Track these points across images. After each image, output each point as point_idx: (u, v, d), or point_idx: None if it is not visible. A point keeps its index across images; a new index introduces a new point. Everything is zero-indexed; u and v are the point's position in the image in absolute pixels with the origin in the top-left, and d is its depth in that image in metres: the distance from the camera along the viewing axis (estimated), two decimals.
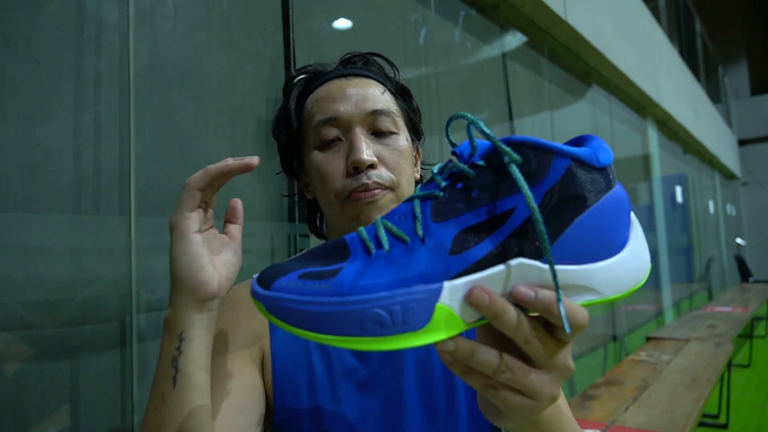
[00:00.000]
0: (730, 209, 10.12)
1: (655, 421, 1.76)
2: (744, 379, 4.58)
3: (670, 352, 2.88)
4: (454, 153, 0.38)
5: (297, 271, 0.34)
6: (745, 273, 8.35)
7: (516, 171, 0.32)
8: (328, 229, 0.70)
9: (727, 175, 9.71)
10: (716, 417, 3.39)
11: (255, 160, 0.48)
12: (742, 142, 11.11)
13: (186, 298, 0.47)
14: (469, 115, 0.35)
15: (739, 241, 10.33)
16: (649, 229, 4.58)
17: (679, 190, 5.71)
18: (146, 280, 0.97)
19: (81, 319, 0.88)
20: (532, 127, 2.74)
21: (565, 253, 0.33)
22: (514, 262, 0.33)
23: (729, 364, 3.11)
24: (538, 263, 0.33)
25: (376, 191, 0.59)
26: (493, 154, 0.34)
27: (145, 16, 1.03)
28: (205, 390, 0.47)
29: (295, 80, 0.69)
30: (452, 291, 0.32)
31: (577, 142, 0.37)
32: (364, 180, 0.58)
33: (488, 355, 0.34)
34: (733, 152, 10.08)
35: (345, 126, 0.61)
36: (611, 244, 0.34)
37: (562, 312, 0.32)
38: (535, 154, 0.33)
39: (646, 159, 4.76)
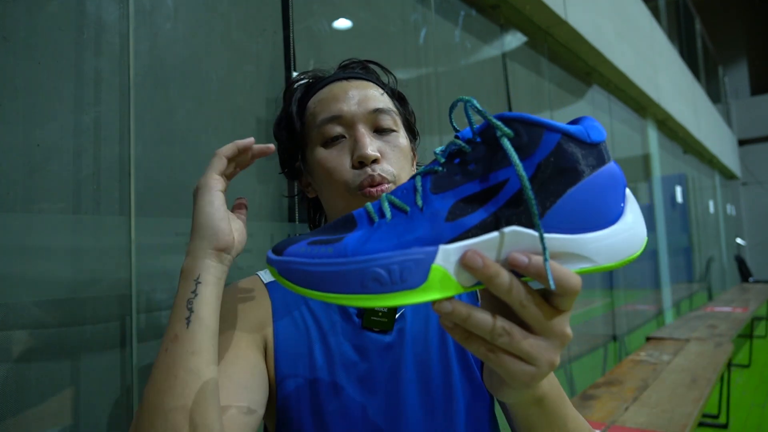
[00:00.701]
0: (730, 209, 10.12)
1: (655, 421, 1.76)
2: (744, 379, 4.58)
3: (670, 352, 2.88)
4: (456, 137, 0.40)
5: (307, 239, 0.37)
6: (745, 273, 8.35)
7: (507, 144, 0.35)
8: None
9: (727, 175, 9.71)
10: (716, 417, 3.39)
11: (272, 147, 0.59)
12: (742, 142, 11.11)
13: (206, 245, 0.52)
14: (465, 97, 0.38)
15: (739, 241, 10.33)
16: (649, 229, 4.56)
17: (679, 190, 5.71)
18: (146, 280, 0.97)
19: (81, 319, 0.88)
20: None
21: (559, 222, 0.35)
22: (507, 229, 0.35)
23: (729, 364, 3.11)
24: (530, 231, 0.35)
25: (387, 185, 0.61)
26: (487, 130, 0.37)
27: (145, 16, 1.03)
28: (215, 334, 0.51)
29: (296, 85, 0.71)
30: (446, 254, 0.35)
31: (572, 122, 0.40)
32: (370, 172, 0.61)
33: (484, 318, 0.35)
34: (733, 152, 10.08)
35: (348, 123, 0.64)
36: (605, 216, 0.36)
37: (548, 272, 0.34)
38: (525, 128, 0.36)
39: (646, 159, 4.76)
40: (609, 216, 0.36)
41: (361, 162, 0.61)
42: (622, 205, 0.37)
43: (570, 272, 0.35)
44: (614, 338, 3.52)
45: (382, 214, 0.38)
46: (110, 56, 0.96)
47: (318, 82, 0.69)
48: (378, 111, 0.64)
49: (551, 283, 0.34)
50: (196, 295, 0.50)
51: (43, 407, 0.83)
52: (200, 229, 0.53)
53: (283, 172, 0.75)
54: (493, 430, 0.67)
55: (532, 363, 0.37)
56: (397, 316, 0.66)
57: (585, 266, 0.36)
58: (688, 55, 6.73)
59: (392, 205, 0.38)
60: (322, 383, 0.62)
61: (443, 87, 2.00)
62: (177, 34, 1.09)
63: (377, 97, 0.66)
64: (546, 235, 0.35)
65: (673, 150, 5.76)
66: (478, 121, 0.39)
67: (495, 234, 0.35)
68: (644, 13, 4.40)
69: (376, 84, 0.69)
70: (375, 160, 0.62)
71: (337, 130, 0.64)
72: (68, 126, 0.89)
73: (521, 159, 0.35)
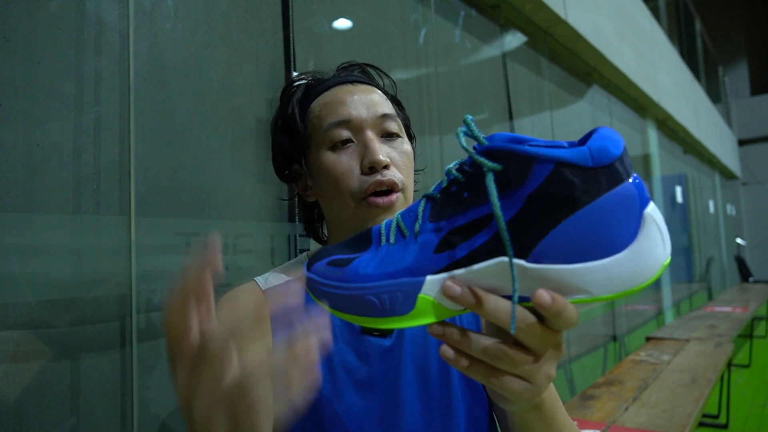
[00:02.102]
0: (730, 209, 10.12)
1: (655, 421, 1.76)
2: (744, 379, 4.58)
3: (670, 352, 2.88)
4: (457, 167, 0.40)
5: (329, 258, 0.40)
6: (745, 273, 8.35)
7: (489, 179, 0.35)
8: (332, 231, 0.69)
9: (727, 175, 9.72)
10: (716, 417, 3.39)
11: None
12: (742, 142, 11.11)
13: None
14: (466, 119, 0.37)
15: (739, 241, 10.33)
16: None
17: (679, 190, 5.71)
18: (146, 280, 0.97)
19: (81, 319, 0.88)
20: (532, 127, 2.74)
21: (553, 253, 0.35)
22: (495, 260, 0.36)
23: (729, 364, 3.11)
24: (519, 261, 0.35)
25: (392, 197, 0.61)
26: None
27: (145, 16, 1.03)
28: None
29: (295, 85, 0.70)
30: (433, 284, 0.37)
31: (587, 136, 0.37)
32: (379, 177, 0.60)
33: (477, 339, 0.37)
34: (733, 152, 10.08)
35: (357, 128, 0.63)
36: (608, 244, 0.34)
37: (513, 314, 0.35)
38: (513, 161, 0.35)
39: (646, 159, 4.76)
40: (614, 243, 0.34)
41: (371, 168, 0.61)
42: (634, 229, 0.34)
43: (566, 304, 0.34)
44: (614, 338, 3.52)
45: (388, 237, 0.40)
46: (110, 56, 0.96)
47: (319, 84, 0.68)
48: (386, 116, 0.64)
49: (512, 326, 0.35)
50: None
51: (43, 407, 0.83)
52: None
53: (279, 176, 0.73)
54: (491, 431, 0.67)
55: (531, 381, 0.38)
56: None
57: (580, 297, 0.35)
58: (688, 55, 6.73)
59: (398, 227, 0.40)
60: (322, 390, 0.62)
61: (443, 87, 2.00)
62: (177, 34, 1.09)
63: (383, 102, 0.66)
64: (540, 267, 0.34)
65: (673, 150, 5.77)
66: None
67: (482, 265, 0.36)
68: (644, 13, 4.40)
69: (379, 88, 0.69)
70: (385, 166, 0.61)
71: (346, 134, 0.63)
72: (68, 126, 0.89)
73: (510, 190, 0.35)
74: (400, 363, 0.64)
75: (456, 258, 0.37)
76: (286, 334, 0.41)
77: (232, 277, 1.14)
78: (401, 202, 0.63)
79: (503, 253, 0.35)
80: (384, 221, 0.41)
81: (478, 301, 0.35)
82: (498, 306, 0.35)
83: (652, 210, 0.34)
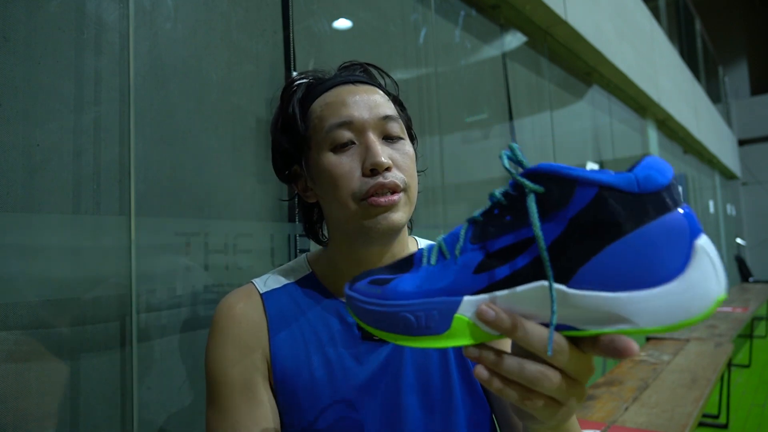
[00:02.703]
0: (730, 209, 10.12)
1: (655, 421, 1.76)
2: (744, 379, 4.58)
3: (670, 352, 2.88)
4: (503, 191, 0.40)
5: (371, 277, 0.41)
6: (745, 273, 8.35)
7: (531, 201, 0.35)
8: (332, 232, 0.69)
9: (727, 175, 9.71)
10: (716, 417, 3.39)
11: None
12: (742, 142, 11.11)
13: None
14: (511, 145, 0.38)
15: (739, 241, 10.33)
16: None
17: (679, 190, 5.70)
18: (146, 280, 0.97)
19: (81, 319, 0.88)
20: (532, 127, 2.74)
21: (596, 279, 0.34)
22: (535, 284, 0.35)
23: (729, 364, 3.10)
24: (558, 285, 0.35)
25: (394, 197, 0.60)
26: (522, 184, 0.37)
27: (145, 16, 1.03)
28: None
29: (295, 84, 0.69)
30: (471, 305, 0.37)
31: (634, 164, 0.36)
32: (380, 179, 0.60)
33: (513, 363, 0.36)
34: (733, 152, 10.08)
35: (359, 130, 0.62)
36: (654, 274, 0.33)
37: (550, 338, 0.35)
38: (556, 183, 0.35)
39: None
40: (662, 273, 0.33)
41: (373, 170, 0.60)
42: (683, 260, 0.33)
43: (617, 337, 0.34)
44: None
45: (430, 260, 0.40)
46: (110, 56, 0.96)
47: (320, 84, 0.67)
48: (387, 118, 0.63)
49: (549, 348, 0.35)
50: None
51: (43, 407, 0.83)
52: None
53: (279, 176, 0.72)
54: None
55: (564, 403, 0.38)
56: None
57: (623, 327, 0.34)
58: (688, 55, 6.73)
59: (440, 249, 0.40)
60: (322, 396, 0.62)
61: (443, 87, 2.00)
62: (177, 34, 1.09)
63: (385, 103, 0.65)
64: (581, 293, 0.34)
65: (673, 150, 5.77)
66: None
67: (522, 288, 0.36)
68: (644, 13, 4.40)
69: (380, 89, 0.68)
70: (387, 168, 0.61)
71: (347, 135, 0.62)
72: (68, 126, 0.89)
73: (552, 213, 0.35)
74: (400, 368, 0.63)
75: (495, 279, 0.37)
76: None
77: (232, 277, 1.14)
78: (404, 201, 0.62)
79: (543, 277, 0.35)
80: (426, 245, 0.42)
81: (513, 327, 0.35)
82: (533, 333, 0.35)
83: (705, 242, 0.33)
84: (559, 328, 0.36)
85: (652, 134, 4.87)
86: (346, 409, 0.61)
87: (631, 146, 4.37)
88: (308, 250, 0.75)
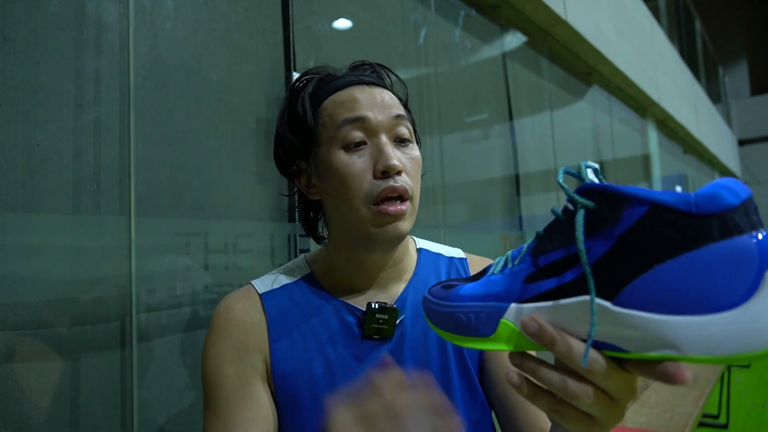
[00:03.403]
0: None
1: (655, 421, 1.76)
2: (744, 379, 4.58)
3: None
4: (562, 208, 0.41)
5: (446, 282, 0.45)
6: None
7: (579, 216, 0.36)
8: (333, 232, 0.68)
9: (727, 175, 9.72)
10: (716, 417, 3.39)
11: None
12: (742, 142, 11.11)
13: None
14: (581, 165, 0.39)
15: None
16: None
17: (679, 190, 5.71)
18: (146, 280, 0.97)
19: (81, 319, 0.88)
20: (532, 127, 2.74)
21: (641, 299, 0.33)
22: (579, 298, 0.35)
23: (729, 364, 3.10)
24: (601, 301, 0.34)
25: (403, 206, 0.61)
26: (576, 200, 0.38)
27: (145, 16, 1.03)
28: None
29: (305, 79, 0.68)
30: (517, 312, 0.38)
31: (711, 184, 0.35)
32: (392, 183, 0.60)
33: (552, 375, 0.37)
34: (733, 152, 10.08)
35: (372, 129, 0.62)
36: (711, 300, 0.31)
37: (587, 350, 0.35)
38: (607, 200, 0.35)
39: (646, 159, 4.76)
40: (719, 301, 0.31)
41: (384, 172, 0.60)
42: (748, 289, 0.31)
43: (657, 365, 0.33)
44: None
45: (496, 270, 0.43)
46: (110, 56, 0.96)
47: (332, 80, 0.66)
48: (399, 117, 0.63)
49: (584, 360, 0.35)
50: None
51: (43, 407, 0.83)
52: None
53: (281, 171, 0.71)
54: None
55: (599, 420, 0.38)
56: (397, 322, 0.65)
57: (667, 353, 0.32)
58: (688, 55, 6.73)
59: (506, 261, 0.42)
60: (322, 396, 0.61)
61: (443, 87, 2.00)
62: (177, 34, 1.09)
63: (396, 104, 0.65)
64: (625, 311, 0.33)
65: (673, 150, 5.77)
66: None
67: (567, 301, 0.36)
68: (644, 13, 4.40)
69: (391, 91, 0.68)
70: (398, 172, 0.61)
71: (360, 135, 0.62)
72: (68, 126, 0.89)
73: (601, 230, 0.35)
74: (400, 366, 0.63)
75: (542, 290, 0.37)
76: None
77: (232, 277, 1.14)
78: (410, 211, 0.62)
79: (588, 292, 0.35)
80: (498, 257, 0.44)
81: (553, 340, 0.36)
82: (573, 348, 0.35)
83: None
84: (604, 346, 0.35)
85: (652, 134, 4.87)
86: (346, 408, 0.61)
87: (631, 146, 4.37)
88: (308, 250, 0.75)
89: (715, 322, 0.31)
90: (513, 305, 0.39)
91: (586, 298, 0.35)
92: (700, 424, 3.37)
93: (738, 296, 0.31)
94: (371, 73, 0.69)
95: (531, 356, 0.38)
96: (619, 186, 0.35)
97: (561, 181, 0.38)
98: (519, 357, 0.38)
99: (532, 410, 0.63)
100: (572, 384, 0.36)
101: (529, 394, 0.38)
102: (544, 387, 0.37)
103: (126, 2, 0.99)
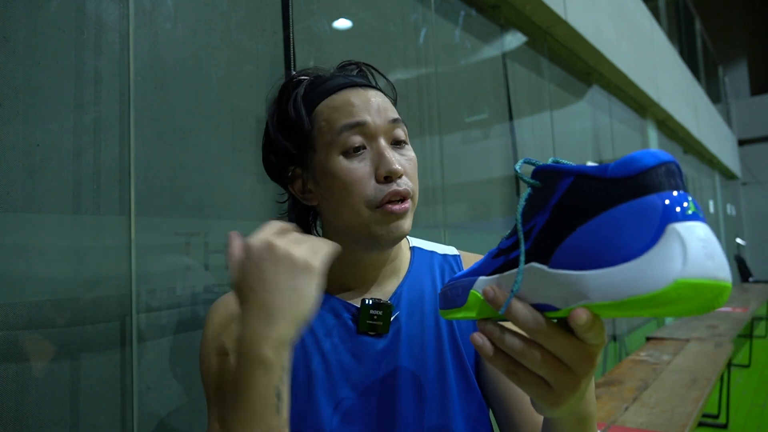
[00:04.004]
0: (730, 209, 10.12)
1: (655, 421, 1.76)
2: (744, 379, 4.58)
3: (670, 352, 2.88)
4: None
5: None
6: (745, 273, 8.35)
7: (523, 194, 0.42)
8: (329, 234, 0.68)
9: (727, 175, 9.71)
10: (716, 417, 3.39)
11: None
12: (742, 142, 11.11)
13: (294, 333, 0.48)
14: (526, 161, 0.44)
15: (739, 241, 10.33)
16: None
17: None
18: (146, 280, 0.97)
19: (81, 319, 0.88)
20: (532, 127, 2.74)
21: (566, 259, 0.37)
22: (527, 265, 0.40)
23: (729, 364, 3.10)
24: (542, 266, 0.39)
25: (406, 204, 0.62)
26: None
27: (145, 16, 1.03)
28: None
29: (296, 81, 0.67)
30: (483, 283, 0.45)
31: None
32: (395, 187, 0.61)
33: (507, 337, 0.41)
34: (733, 152, 10.08)
35: (371, 134, 0.62)
36: (618, 253, 0.34)
37: (507, 300, 0.40)
38: (547, 177, 0.40)
39: None
40: (624, 253, 0.34)
41: (387, 177, 0.61)
42: (650, 242, 0.33)
43: (579, 309, 0.36)
44: (614, 338, 3.52)
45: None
46: (110, 56, 0.96)
47: (322, 82, 0.65)
48: (396, 121, 0.64)
49: (502, 309, 0.40)
50: (283, 383, 0.48)
51: (43, 407, 0.83)
52: (302, 319, 0.48)
53: (274, 177, 0.70)
54: (488, 431, 0.67)
55: (553, 386, 0.40)
56: (392, 318, 0.66)
57: (582, 302, 0.36)
58: (688, 55, 6.73)
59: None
60: (319, 392, 0.62)
61: (443, 87, 2.00)
62: (177, 34, 1.09)
63: (390, 107, 0.65)
64: (554, 271, 0.37)
65: (673, 150, 5.76)
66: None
67: (516, 270, 0.41)
68: (644, 13, 4.40)
69: (383, 92, 0.68)
70: (400, 175, 0.62)
71: (359, 140, 0.62)
72: (68, 126, 0.89)
73: (542, 204, 0.40)
74: (396, 363, 0.64)
75: (503, 263, 0.43)
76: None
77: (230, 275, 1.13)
78: (411, 210, 0.63)
79: (535, 259, 0.39)
80: None
81: (496, 299, 0.41)
82: (517, 310, 0.39)
83: (685, 227, 0.33)
84: (543, 308, 0.39)
85: (652, 134, 4.87)
86: (342, 402, 0.61)
87: (631, 146, 4.37)
88: None
89: (617, 271, 0.34)
90: (481, 278, 0.45)
91: (532, 264, 0.40)
92: (700, 424, 3.37)
93: (640, 247, 0.33)
94: (359, 74, 0.69)
95: (493, 321, 0.42)
96: (557, 164, 0.39)
97: (518, 169, 0.43)
98: (483, 322, 0.42)
99: (527, 407, 0.63)
100: (522, 345, 0.40)
101: (489, 355, 0.42)
102: (504, 350, 0.41)
103: (126, 2, 0.99)
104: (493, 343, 0.42)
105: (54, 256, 0.85)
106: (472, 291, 0.45)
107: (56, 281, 0.85)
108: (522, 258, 0.40)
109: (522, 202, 0.41)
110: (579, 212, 0.36)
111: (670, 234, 0.33)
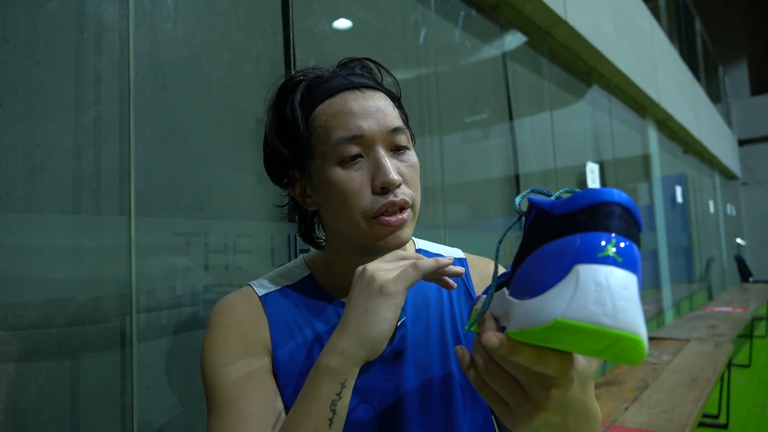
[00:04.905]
0: (730, 209, 10.12)
1: (655, 421, 1.76)
2: (744, 379, 4.58)
3: (670, 352, 2.88)
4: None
5: None
6: (745, 273, 8.35)
7: (512, 221, 0.47)
8: (332, 238, 0.67)
9: (727, 175, 9.71)
10: (716, 417, 3.39)
11: (462, 270, 0.56)
12: (742, 142, 11.11)
13: (364, 355, 0.51)
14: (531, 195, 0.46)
15: (739, 241, 10.32)
16: (649, 229, 4.58)
17: (679, 190, 5.71)
18: (146, 280, 0.97)
19: (81, 319, 0.88)
20: (532, 127, 2.74)
21: (515, 286, 0.40)
22: (501, 289, 0.44)
23: (729, 364, 3.10)
24: (505, 290, 0.43)
25: (404, 215, 0.60)
26: None
27: (145, 16, 1.03)
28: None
29: (294, 83, 0.66)
30: (480, 301, 0.49)
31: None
32: (391, 198, 0.59)
33: (480, 356, 0.44)
34: (733, 152, 10.07)
35: (368, 144, 0.60)
36: (538, 286, 0.36)
37: (474, 319, 0.46)
38: (529, 207, 0.42)
39: (646, 159, 4.76)
40: (540, 286, 0.36)
41: (383, 188, 0.59)
42: (557, 279, 0.34)
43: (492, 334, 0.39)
44: None
45: None
46: (110, 56, 0.96)
47: (320, 85, 0.63)
48: (396, 130, 0.62)
49: (467, 327, 0.49)
50: (340, 398, 0.51)
51: (43, 407, 0.83)
52: (368, 339, 0.51)
53: (275, 181, 0.69)
54: None
55: (511, 408, 0.43)
56: (398, 324, 0.65)
57: (508, 328, 0.39)
58: (688, 55, 6.73)
59: None
60: None
61: (443, 87, 2.00)
62: (177, 34, 1.09)
63: (392, 113, 0.63)
64: (509, 298, 0.41)
65: (673, 150, 5.76)
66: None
67: (499, 292, 0.45)
68: (644, 13, 4.40)
69: (384, 92, 0.65)
70: (397, 185, 0.60)
71: (355, 150, 0.60)
72: (68, 126, 0.89)
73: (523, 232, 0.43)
74: (401, 370, 0.63)
75: (496, 285, 0.46)
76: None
77: (232, 277, 1.14)
78: (411, 218, 0.62)
79: (507, 284, 0.43)
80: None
81: (482, 320, 0.44)
82: (482, 327, 0.43)
83: (587, 269, 0.33)
84: (504, 329, 0.42)
85: (652, 134, 4.87)
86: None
87: (631, 146, 4.37)
88: (308, 250, 0.75)
89: (529, 303, 0.36)
90: (482, 297, 0.50)
91: (503, 290, 0.43)
92: (700, 424, 3.37)
93: (549, 283, 0.35)
94: (361, 70, 0.67)
95: (479, 337, 0.44)
96: (538, 198, 0.41)
97: (517, 203, 0.45)
98: (474, 334, 0.47)
99: None
100: (485, 361, 0.43)
101: (464, 367, 0.46)
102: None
103: (126, 2, 0.99)
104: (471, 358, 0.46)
105: (54, 256, 0.85)
106: (474, 307, 0.50)
107: (56, 281, 0.85)
108: (494, 280, 0.44)
109: (505, 230, 0.46)
110: (532, 244, 0.39)
111: (572, 274, 0.34)
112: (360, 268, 0.54)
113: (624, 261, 0.33)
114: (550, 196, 0.43)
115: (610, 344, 0.32)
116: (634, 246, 0.34)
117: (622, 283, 0.32)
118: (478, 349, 0.44)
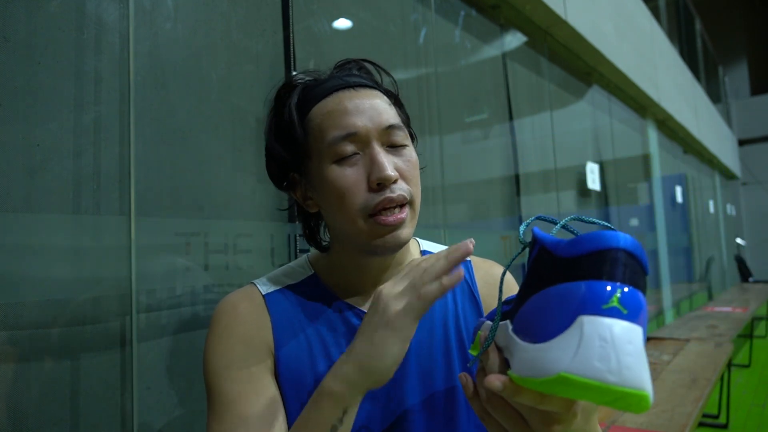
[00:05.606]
0: (730, 209, 10.11)
1: (655, 421, 1.76)
2: (744, 379, 4.58)
3: (670, 352, 2.88)
4: None
5: None
6: (745, 273, 8.35)
7: (518, 251, 0.45)
8: (335, 238, 0.67)
9: (727, 175, 9.71)
10: (716, 417, 3.39)
11: (461, 274, 0.50)
12: (742, 142, 11.11)
13: (370, 385, 0.51)
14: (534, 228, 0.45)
15: (739, 241, 10.32)
16: (649, 229, 4.58)
17: (679, 190, 5.71)
18: (146, 280, 0.97)
19: (81, 319, 0.88)
20: (532, 127, 2.74)
21: (518, 324, 0.40)
22: (504, 321, 0.44)
23: (729, 364, 3.10)
24: (507, 323, 0.43)
25: (402, 214, 0.59)
26: None
27: (145, 16, 1.03)
28: None
29: (291, 86, 0.66)
30: (485, 328, 0.50)
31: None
32: (388, 194, 0.58)
33: (482, 381, 0.45)
34: (733, 152, 10.07)
35: (363, 141, 0.60)
36: (541, 331, 0.35)
37: (478, 354, 0.47)
38: (533, 239, 0.42)
39: (646, 159, 4.76)
40: (544, 332, 0.35)
41: (380, 184, 0.58)
42: (561, 328, 0.34)
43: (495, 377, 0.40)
44: None
45: None
46: (110, 56, 0.96)
47: (316, 86, 0.63)
48: (392, 127, 0.61)
49: (473, 356, 0.49)
50: (341, 423, 0.51)
51: (43, 407, 0.83)
52: (372, 371, 0.50)
53: (275, 184, 0.69)
54: None
55: None
56: None
57: (509, 370, 0.38)
58: (688, 55, 6.73)
59: None
60: None
61: (443, 87, 2.00)
62: (177, 34, 1.09)
63: (387, 110, 0.62)
64: (511, 334, 0.40)
65: (673, 150, 5.76)
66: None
67: (502, 322, 0.45)
68: (644, 13, 4.40)
69: (380, 91, 0.65)
70: (394, 181, 0.59)
71: (351, 148, 0.59)
72: (68, 126, 0.89)
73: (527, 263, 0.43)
74: (404, 370, 0.63)
75: (501, 312, 0.46)
76: None
77: (232, 277, 1.14)
78: (410, 216, 0.61)
79: (510, 317, 0.43)
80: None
81: (485, 353, 0.45)
82: (486, 358, 0.45)
83: (592, 321, 0.32)
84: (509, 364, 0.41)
85: (652, 134, 4.87)
86: None
87: (631, 146, 4.37)
88: (308, 251, 0.75)
89: (533, 348, 0.35)
90: (486, 322, 0.50)
91: (506, 321, 0.43)
92: (700, 424, 3.37)
93: (553, 331, 0.34)
94: (358, 71, 0.67)
95: (483, 366, 0.46)
96: (542, 233, 0.41)
97: (521, 231, 0.45)
98: (476, 359, 0.47)
99: None
100: (489, 393, 0.44)
101: (469, 395, 0.47)
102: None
103: (126, 2, 0.99)
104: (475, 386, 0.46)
105: (54, 256, 0.85)
106: (479, 332, 0.50)
107: (56, 281, 0.85)
108: (498, 312, 0.44)
109: (510, 259, 0.46)
110: (537, 281, 0.38)
111: (576, 325, 0.33)
112: (377, 291, 0.52)
113: (629, 312, 0.32)
114: (555, 223, 0.42)
115: (614, 399, 0.32)
116: (640, 294, 0.33)
117: (627, 337, 0.32)
118: (482, 381, 0.44)
